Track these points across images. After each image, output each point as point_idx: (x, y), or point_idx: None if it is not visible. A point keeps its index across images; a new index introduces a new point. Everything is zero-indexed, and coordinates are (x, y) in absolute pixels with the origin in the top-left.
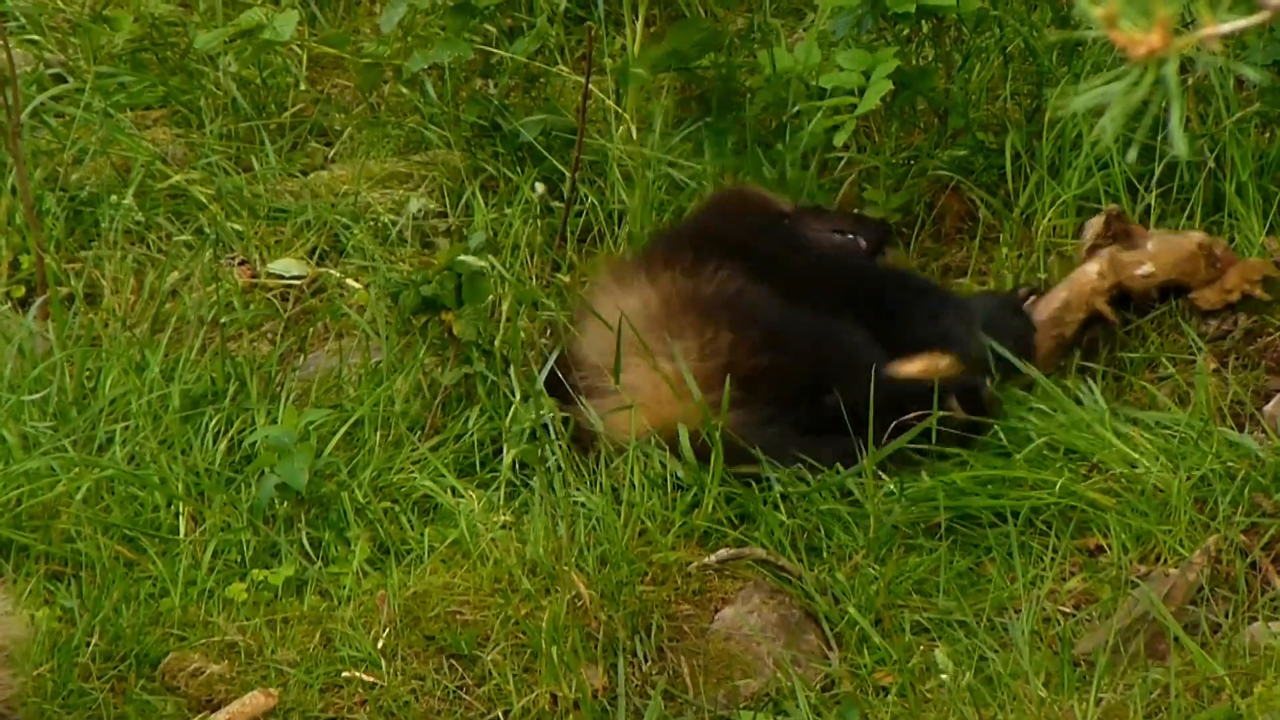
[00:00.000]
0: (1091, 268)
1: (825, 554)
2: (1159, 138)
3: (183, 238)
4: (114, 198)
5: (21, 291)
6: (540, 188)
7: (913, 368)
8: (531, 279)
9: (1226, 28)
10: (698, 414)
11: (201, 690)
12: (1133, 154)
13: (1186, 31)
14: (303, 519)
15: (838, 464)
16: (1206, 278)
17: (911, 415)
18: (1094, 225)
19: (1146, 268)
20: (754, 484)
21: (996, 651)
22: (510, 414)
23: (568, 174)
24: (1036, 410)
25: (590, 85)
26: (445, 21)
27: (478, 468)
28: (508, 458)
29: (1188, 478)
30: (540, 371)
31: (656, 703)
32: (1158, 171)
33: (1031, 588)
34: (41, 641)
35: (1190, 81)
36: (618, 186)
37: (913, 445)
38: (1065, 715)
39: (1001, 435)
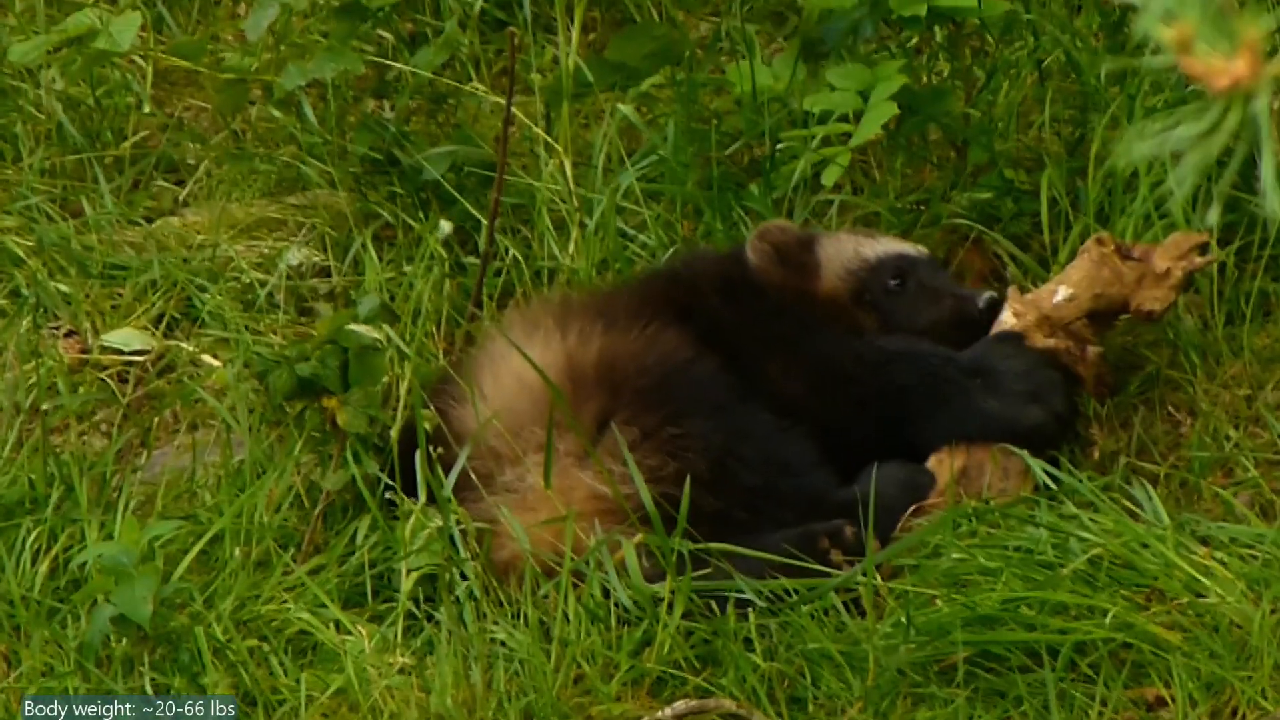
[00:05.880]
0: (1005, 315)
1: (812, 706)
2: (1211, 179)
3: None
4: None
5: None
6: (447, 227)
7: None
8: (438, 355)
9: None
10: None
11: None
12: (1214, 215)
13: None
14: (146, 661)
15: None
16: (1135, 277)
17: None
18: (1008, 305)
19: (1062, 291)
20: (718, 610)
21: None
22: (409, 526)
23: (484, 221)
24: (1082, 521)
25: (513, 108)
26: (329, 26)
27: (369, 596)
28: (406, 583)
29: (1272, 610)
30: (450, 472)
31: None
32: (1218, 220)
33: None
34: None
35: None
36: (547, 237)
37: None
38: None
39: (1046, 548)
